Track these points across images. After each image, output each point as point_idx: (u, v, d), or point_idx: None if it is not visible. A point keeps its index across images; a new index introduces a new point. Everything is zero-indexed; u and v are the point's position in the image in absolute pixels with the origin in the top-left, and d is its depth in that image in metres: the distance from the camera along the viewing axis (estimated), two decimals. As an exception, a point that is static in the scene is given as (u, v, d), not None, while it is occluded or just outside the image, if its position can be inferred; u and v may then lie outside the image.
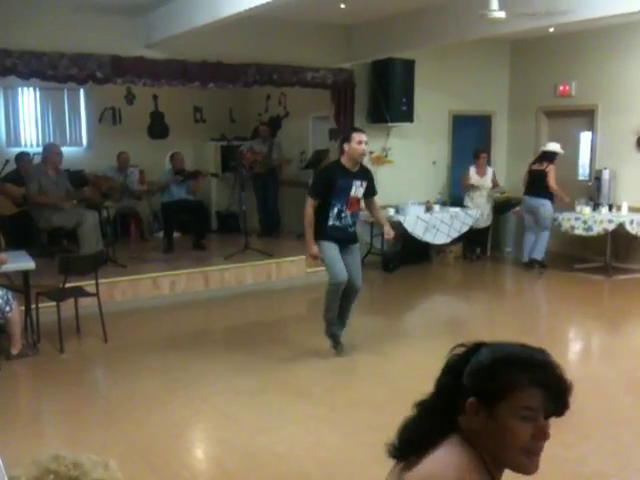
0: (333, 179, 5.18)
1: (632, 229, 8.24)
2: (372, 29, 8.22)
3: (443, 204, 9.45)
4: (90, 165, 9.41)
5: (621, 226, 8.19)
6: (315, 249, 5.20)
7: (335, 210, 5.20)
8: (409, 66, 8.87)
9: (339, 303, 5.37)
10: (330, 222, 5.21)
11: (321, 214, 5.21)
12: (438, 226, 8.94)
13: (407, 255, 9.06)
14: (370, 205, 5.64)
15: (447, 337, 5.95)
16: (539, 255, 8.90)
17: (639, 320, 6.96)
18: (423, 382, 5.08)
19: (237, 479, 3.56)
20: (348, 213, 5.25)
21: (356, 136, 5.16)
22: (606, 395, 4.72)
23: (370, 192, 5.48)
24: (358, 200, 5.34)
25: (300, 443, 3.93)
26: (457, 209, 9.25)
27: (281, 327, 6.26)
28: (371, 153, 9.11)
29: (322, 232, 5.22)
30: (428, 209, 9.03)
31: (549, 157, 8.79)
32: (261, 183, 9.79)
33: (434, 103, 9.47)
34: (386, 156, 9.26)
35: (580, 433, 3.81)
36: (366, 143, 5.20)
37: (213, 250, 8.88)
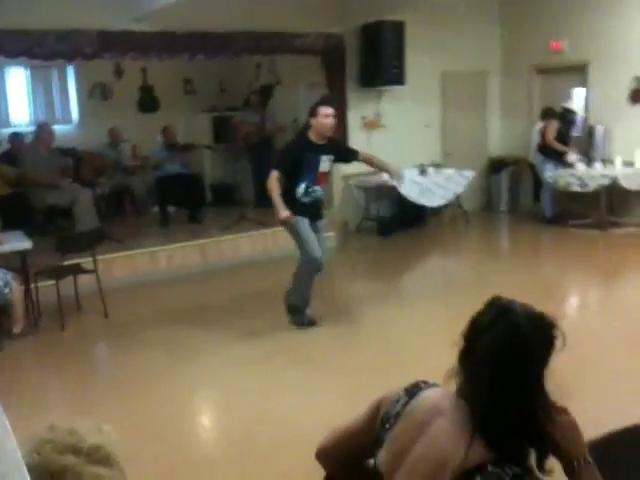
0: (301, 154, 5.09)
1: (626, 183, 8.26)
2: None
3: (437, 166, 9.44)
4: (81, 142, 9.36)
5: (615, 181, 8.21)
6: (286, 212, 5.06)
7: (303, 186, 5.11)
8: (399, 28, 8.77)
9: None
10: (299, 198, 5.13)
11: (289, 190, 5.11)
12: (433, 189, 8.94)
13: (403, 219, 9.08)
14: (365, 162, 5.57)
15: (444, 300, 6.02)
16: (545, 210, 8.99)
17: (634, 274, 7.02)
18: (419, 345, 5.17)
19: (241, 444, 3.64)
20: (316, 188, 5.18)
21: (323, 110, 5.05)
22: (603, 347, 4.79)
23: (351, 155, 5.44)
24: (326, 174, 5.28)
25: (303, 407, 3.99)
26: (452, 171, 9.24)
27: (279, 296, 6.30)
28: (364, 118, 9.10)
29: (293, 208, 5.13)
30: (422, 172, 9.02)
31: (557, 115, 8.82)
32: (256, 153, 9.74)
33: (425, 65, 9.38)
34: (379, 120, 9.22)
35: (578, 384, 3.88)
36: (334, 116, 5.10)
37: (209, 223, 8.88)
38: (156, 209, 9.04)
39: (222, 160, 10.15)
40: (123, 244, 7.37)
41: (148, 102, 10.49)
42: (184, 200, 9.08)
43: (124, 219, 9.18)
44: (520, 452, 1.47)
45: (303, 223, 5.19)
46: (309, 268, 5.25)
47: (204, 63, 9.56)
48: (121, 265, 7.00)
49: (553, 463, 1.51)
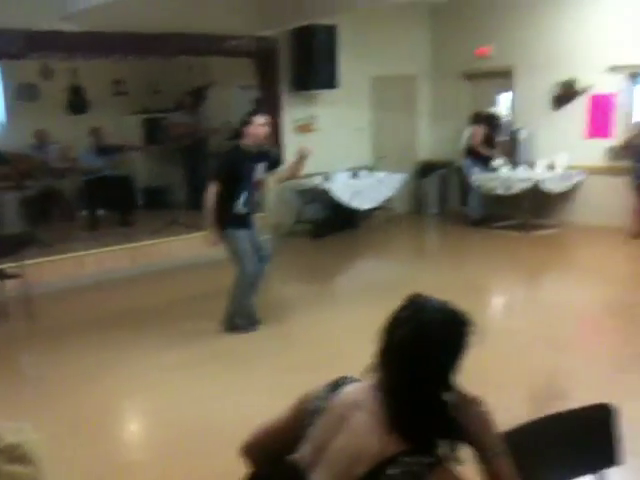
0: (237, 165, 5.12)
1: (547, 186, 8.61)
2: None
3: (369, 169, 9.60)
4: (7, 144, 9.07)
5: (537, 184, 8.54)
6: (214, 238, 5.13)
7: (242, 196, 5.13)
8: (331, 32, 8.88)
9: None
10: (239, 208, 5.14)
11: (228, 200, 5.10)
12: (365, 191, 9.08)
13: (335, 221, 9.19)
14: (290, 176, 5.73)
15: (375, 300, 6.13)
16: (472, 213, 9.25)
17: (554, 273, 7.33)
18: (351, 345, 5.26)
19: (172, 447, 3.64)
20: (254, 195, 5.29)
21: (256, 119, 5.12)
22: (522, 346, 4.99)
23: (277, 166, 5.53)
24: (261, 182, 5.41)
25: (234, 411, 4.01)
26: (383, 174, 9.41)
27: (212, 299, 6.29)
28: (297, 121, 9.18)
29: (232, 220, 5.14)
30: (355, 175, 9.16)
31: (483, 118, 9.10)
32: (189, 156, 9.69)
33: (357, 68, 9.53)
34: (312, 124, 9.31)
35: (496, 384, 4.04)
36: (267, 125, 5.18)
37: (140, 226, 8.75)
38: (85, 212, 8.86)
39: (154, 162, 10.04)
40: (52, 248, 7.21)
41: (78, 103, 10.27)
42: (114, 203, 8.94)
43: (52, 223, 8.95)
44: (433, 443, 1.55)
45: (243, 241, 5.20)
46: (245, 282, 5.29)
47: (135, 64, 9.44)
48: (50, 270, 6.84)
49: (465, 453, 1.59)
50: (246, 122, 5.17)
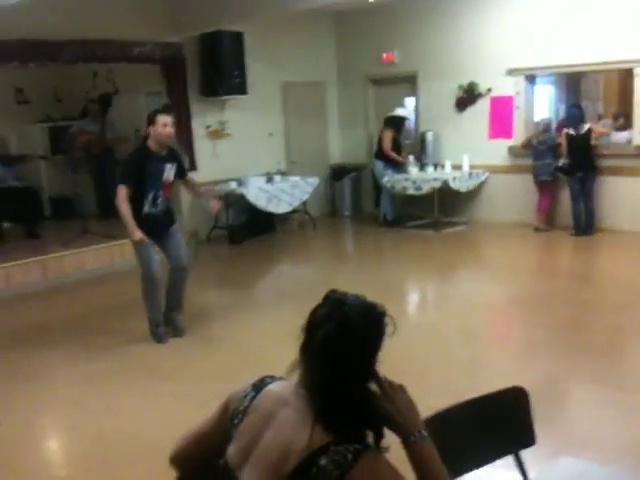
0: (143, 165, 4.98)
1: (455, 185, 8.94)
2: (197, 1, 8.15)
3: (283, 174, 9.65)
4: None
5: (445, 183, 8.85)
6: (140, 234, 4.96)
7: (150, 197, 5.01)
8: (238, 38, 8.90)
9: (171, 287, 5.33)
10: (145, 210, 5.02)
11: (135, 203, 4.97)
12: (280, 196, 9.13)
13: (252, 226, 9.21)
14: (187, 185, 5.57)
15: (294, 303, 6.17)
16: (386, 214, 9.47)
17: (464, 269, 7.61)
18: (273, 349, 5.28)
19: (91, 463, 3.54)
20: (164, 196, 5.11)
21: (160, 119, 4.95)
22: (439, 338, 5.17)
23: (181, 173, 5.34)
24: (170, 184, 5.19)
25: (152, 420, 3.95)
26: (297, 178, 9.49)
27: (127, 310, 6.16)
28: (208, 127, 9.13)
29: (139, 223, 4.99)
30: (269, 180, 9.20)
31: (391, 122, 9.30)
32: (97, 164, 9.47)
33: (266, 74, 9.58)
34: (223, 129, 9.28)
35: (416, 374, 4.17)
36: (172, 125, 5.02)
37: (49, 237, 8.48)
38: (-11, 226, 8.49)
39: (60, 172, 9.71)
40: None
41: (-24, 112, 9.82)
42: (19, 215, 8.60)
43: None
44: (358, 432, 1.60)
45: (144, 246, 5.07)
46: (147, 286, 5.19)
47: (37, 71, 9.12)
48: (-48, 287, 6.53)
49: (390, 440, 1.65)
50: (150, 121, 5.02)
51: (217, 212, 5.43)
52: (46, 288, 7.06)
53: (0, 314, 6.41)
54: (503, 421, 2.25)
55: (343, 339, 1.55)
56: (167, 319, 5.42)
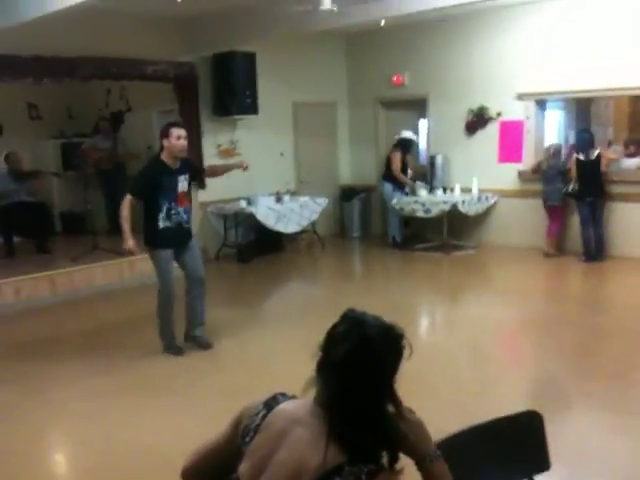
0: (157, 178, 5.03)
1: (464, 209, 8.94)
2: (211, 22, 8.24)
3: (292, 194, 9.68)
4: None
5: (454, 206, 8.85)
6: (131, 243, 5.06)
7: (164, 209, 5.06)
8: (250, 59, 8.97)
9: (190, 301, 5.39)
10: (161, 224, 5.06)
11: (150, 216, 5.05)
12: (289, 215, 9.16)
13: (261, 245, 9.22)
14: (212, 174, 5.86)
15: (302, 322, 6.19)
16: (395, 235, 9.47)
17: (474, 292, 7.58)
18: (281, 365, 5.29)
19: (102, 477, 3.54)
20: (179, 209, 5.14)
21: (175, 131, 5.01)
22: (448, 361, 5.15)
23: (199, 173, 5.62)
24: (186, 194, 5.24)
25: (162, 436, 3.95)
26: (306, 198, 9.52)
27: (136, 325, 6.18)
28: (219, 146, 9.18)
29: (155, 237, 5.09)
30: (278, 199, 9.23)
31: (400, 144, 9.34)
32: (108, 180, 9.52)
33: (277, 95, 9.65)
34: (234, 149, 9.33)
35: (426, 396, 4.14)
36: (185, 138, 5.08)
37: (59, 253, 8.52)
38: (0, 239, 8.52)
39: (72, 188, 9.78)
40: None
41: (-11, 127, 9.92)
42: (31, 229, 8.65)
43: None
44: (373, 452, 1.59)
45: (163, 261, 5.15)
46: (163, 299, 5.25)
47: (50, 88, 9.21)
48: (-38, 300, 6.55)
49: (404, 462, 1.64)
50: (164, 134, 5.08)
51: (245, 165, 5.78)
52: (55, 303, 7.07)
53: (9, 327, 6.43)
54: (517, 445, 2.23)
55: (363, 357, 1.55)
56: (188, 336, 5.47)
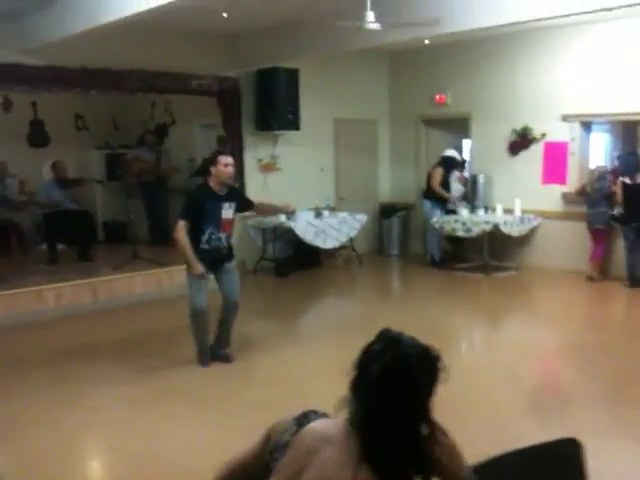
0: (202, 203, 5.17)
1: (506, 229, 8.81)
2: (256, 38, 8.34)
3: (332, 209, 9.68)
4: (-36, 175, 8.93)
5: (496, 227, 8.73)
6: (200, 267, 5.13)
7: (207, 234, 5.18)
8: (293, 75, 9.04)
9: (221, 320, 5.45)
10: (201, 246, 5.18)
11: (192, 237, 5.15)
12: (327, 231, 9.15)
13: (299, 260, 9.23)
14: (259, 211, 5.74)
15: (337, 338, 6.15)
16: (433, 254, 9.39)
17: (514, 315, 7.45)
18: (314, 382, 5.26)
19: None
20: (221, 235, 5.25)
21: (222, 159, 5.15)
22: (484, 384, 5.05)
23: (248, 206, 5.58)
24: (230, 221, 5.34)
25: (194, 447, 3.95)
26: (345, 214, 9.51)
27: (172, 335, 6.23)
28: (260, 161, 9.25)
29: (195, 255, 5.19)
30: (318, 214, 9.23)
31: (442, 162, 9.29)
32: (149, 191, 9.67)
33: (319, 111, 9.70)
34: (274, 163, 9.39)
35: (461, 420, 4.07)
36: (233, 165, 5.21)
37: (100, 261, 8.67)
38: (44, 246, 8.71)
39: (115, 198, 9.96)
40: (8, 282, 7.05)
41: (38, 137, 10.18)
42: (74, 237, 8.82)
43: (9, 256, 8.77)
44: (405, 476, 1.55)
45: (195, 279, 5.21)
46: (191, 315, 5.32)
47: (97, 99, 9.43)
48: (5, 303, 6.68)
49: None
50: (212, 161, 5.23)
51: (292, 209, 5.88)
52: (95, 310, 7.18)
53: (49, 332, 6.54)
54: (555, 473, 2.16)
55: (397, 377, 1.52)
56: (212, 350, 5.50)
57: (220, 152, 5.45)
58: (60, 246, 8.66)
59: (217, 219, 5.21)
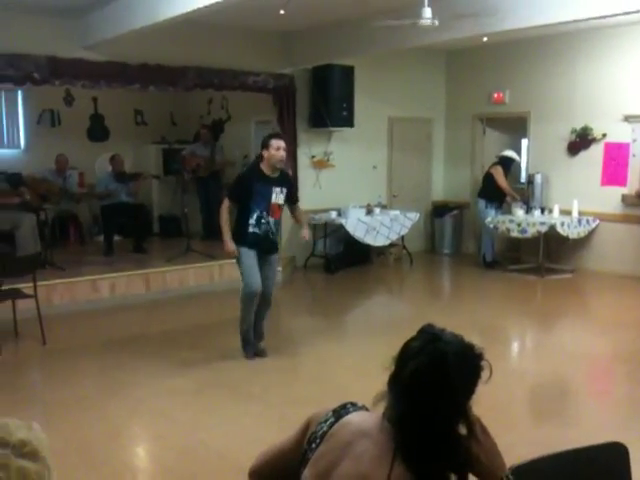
0: (250, 184, 5.17)
1: (563, 231, 8.59)
2: (311, 36, 8.36)
3: (383, 207, 9.64)
4: (28, 168, 9.22)
5: (553, 228, 8.52)
6: (232, 246, 5.17)
7: (255, 216, 5.18)
8: (348, 72, 9.03)
9: (255, 315, 5.43)
10: (250, 229, 5.19)
11: (241, 219, 5.20)
12: (378, 228, 9.11)
13: (349, 257, 9.23)
14: (292, 211, 5.64)
15: (384, 337, 6.09)
16: (486, 254, 9.24)
17: (567, 319, 7.26)
18: (357, 381, 5.24)
19: (175, 475, 3.61)
20: (270, 220, 5.24)
21: (274, 142, 5.15)
22: (532, 388, 4.94)
23: (292, 199, 5.50)
24: (279, 207, 5.32)
25: (236, 439, 3.98)
26: (397, 212, 9.45)
27: (221, 328, 6.30)
28: (313, 157, 9.28)
29: (242, 238, 5.21)
30: (369, 212, 9.21)
31: (501, 161, 9.13)
32: (204, 186, 9.80)
33: (374, 109, 9.67)
34: (327, 160, 9.40)
35: (505, 423, 4.00)
36: (284, 149, 5.20)
37: (154, 253, 8.85)
38: (101, 238, 8.95)
39: (170, 192, 10.15)
40: (65, 271, 7.26)
41: (98, 131, 10.47)
42: (130, 229, 9.03)
43: (68, 246, 9.05)
44: (440, 474, 1.52)
45: (248, 257, 5.24)
46: (245, 298, 5.31)
47: (155, 95, 9.63)
48: (62, 292, 6.89)
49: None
50: (264, 144, 5.24)
51: (305, 240, 5.61)
52: (148, 301, 7.33)
53: (102, 322, 6.71)
54: (598, 478, 2.10)
55: (435, 374, 1.49)
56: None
57: (272, 135, 5.43)
58: (116, 238, 8.88)
59: (267, 202, 5.20)
